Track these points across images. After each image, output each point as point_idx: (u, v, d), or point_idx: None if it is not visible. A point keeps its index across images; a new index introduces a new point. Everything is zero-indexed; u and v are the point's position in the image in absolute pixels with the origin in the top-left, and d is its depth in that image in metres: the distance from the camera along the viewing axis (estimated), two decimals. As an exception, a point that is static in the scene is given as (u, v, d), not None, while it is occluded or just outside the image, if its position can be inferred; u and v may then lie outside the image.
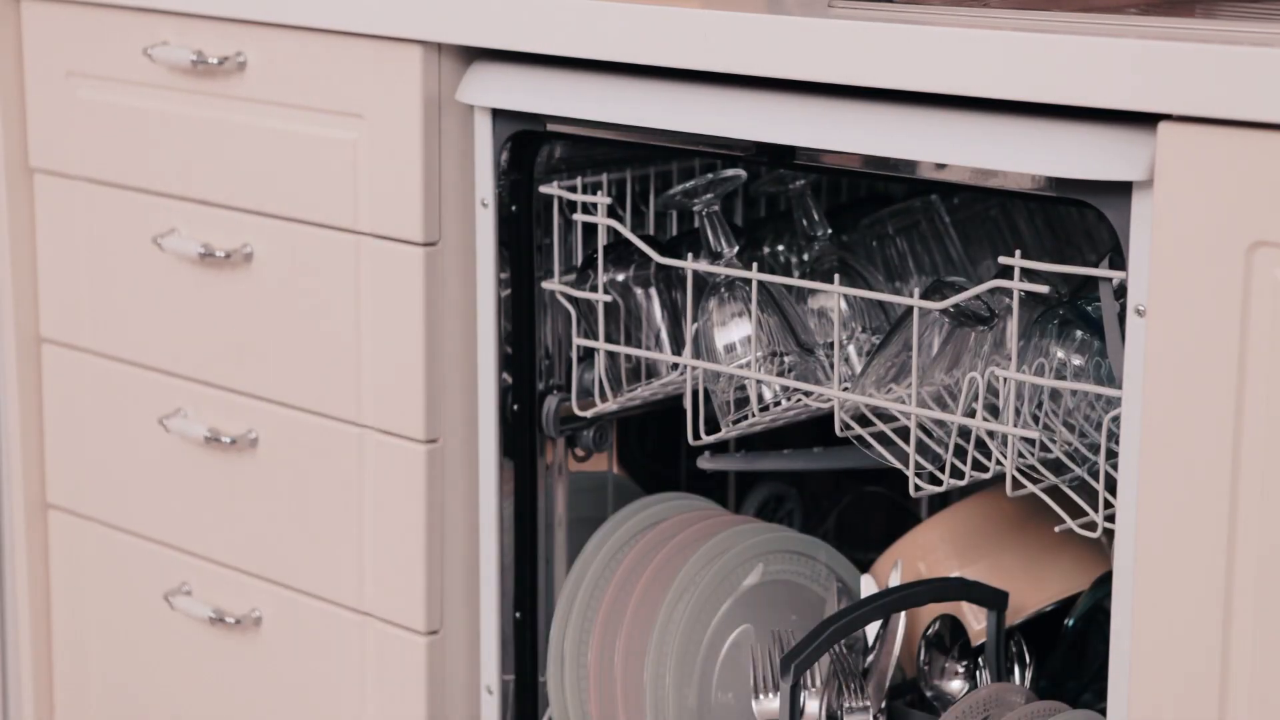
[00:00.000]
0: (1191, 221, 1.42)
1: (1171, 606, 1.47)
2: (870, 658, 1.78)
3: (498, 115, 1.86)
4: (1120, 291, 1.54)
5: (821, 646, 1.70)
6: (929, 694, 1.81)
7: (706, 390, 1.82)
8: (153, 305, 2.17)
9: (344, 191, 1.96)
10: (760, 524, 1.92)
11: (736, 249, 1.83)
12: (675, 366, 1.86)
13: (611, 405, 1.88)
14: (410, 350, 1.92)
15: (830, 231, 1.88)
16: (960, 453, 1.66)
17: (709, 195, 1.82)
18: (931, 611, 1.83)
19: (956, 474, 1.67)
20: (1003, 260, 1.54)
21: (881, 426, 1.70)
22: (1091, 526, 1.59)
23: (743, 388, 1.80)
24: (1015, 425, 1.60)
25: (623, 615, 1.88)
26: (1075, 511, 1.63)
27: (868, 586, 1.87)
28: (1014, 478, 1.61)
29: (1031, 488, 1.62)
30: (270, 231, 2.04)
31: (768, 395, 1.79)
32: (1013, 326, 1.59)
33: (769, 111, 1.66)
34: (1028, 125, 1.52)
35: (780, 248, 1.98)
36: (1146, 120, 1.45)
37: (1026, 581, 1.85)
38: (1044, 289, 1.54)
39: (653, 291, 1.89)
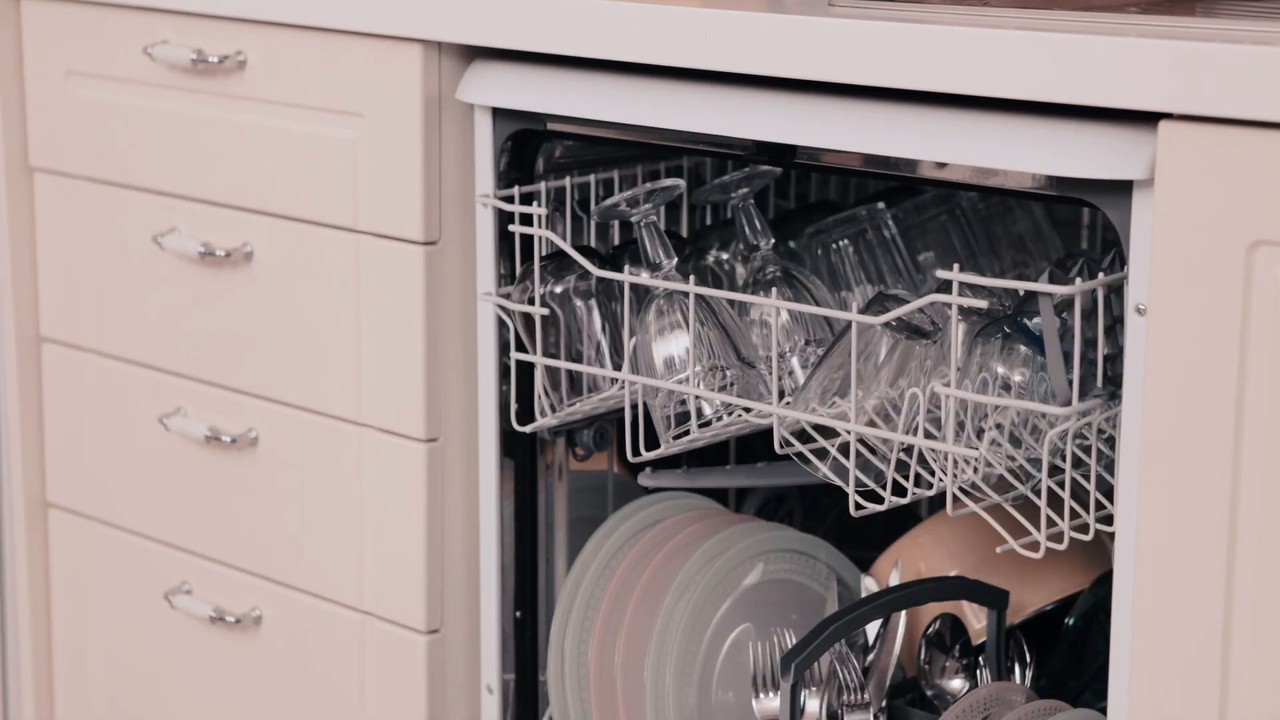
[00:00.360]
0: (1192, 220, 1.42)
1: (1172, 606, 1.47)
2: (871, 657, 1.78)
3: (498, 114, 1.86)
4: (1062, 307, 1.52)
5: (822, 646, 1.70)
6: (929, 693, 1.81)
7: (649, 405, 1.78)
8: (153, 304, 2.17)
9: (344, 190, 1.96)
10: (760, 523, 1.92)
11: (675, 260, 1.78)
12: (615, 380, 1.82)
13: (551, 420, 1.84)
14: (410, 349, 1.92)
15: (773, 241, 1.82)
16: (905, 468, 1.63)
17: (647, 205, 1.77)
18: (932, 610, 1.83)
19: (899, 491, 1.63)
20: (940, 274, 1.51)
21: (823, 443, 1.67)
22: (1034, 546, 1.56)
23: (684, 402, 1.76)
24: (956, 442, 1.56)
25: (623, 614, 1.88)
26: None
27: (868, 586, 1.87)
28: (955, 496, 1.57)
29: (973, 506, 1.59)
30: (270, 230, 2.04)
31: (708, 410, 1.75)
32: (953, 341, 1.54)
33: (769, 110, 1.66)
34: (1028, 124, 1.52)
35: (725, 256, 1.94)
36: (1147, 119, 1.45)
37: (1027, 580, 1.85)
38: (983, 304, 1.51)
39: (593, 303, 1.84)
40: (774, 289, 1.77)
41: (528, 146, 1.88)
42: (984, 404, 1.57)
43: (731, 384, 1.75)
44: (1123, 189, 1.48)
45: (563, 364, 1.81)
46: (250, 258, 2.06)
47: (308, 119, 1.98)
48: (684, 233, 2.06)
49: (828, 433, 1.67)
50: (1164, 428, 1.45)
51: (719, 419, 1.75)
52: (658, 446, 1.77)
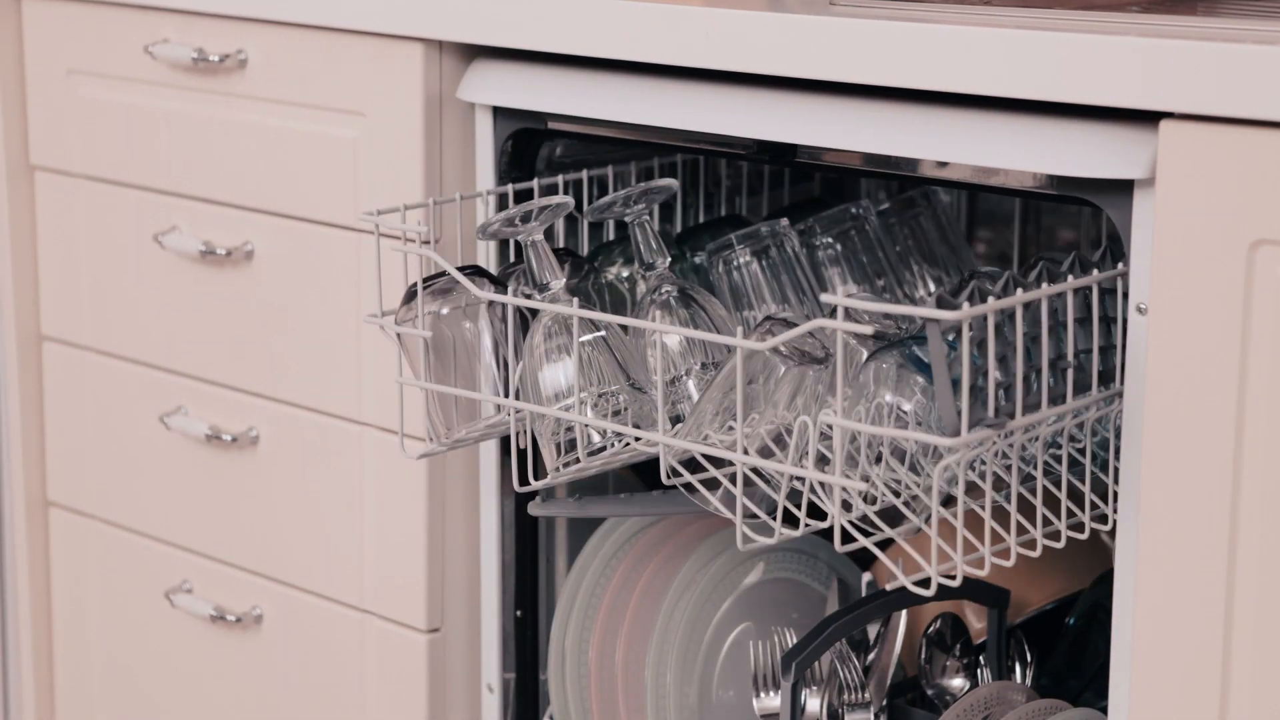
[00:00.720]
0: (1193, 219, 1.42)
1: (1172, 605, 1.47)
2: (871, 656, 1.78)
3: (498, 113, 1.86)
4: (951, 331, 1.42)
5: (822, 645, 1.70)
6: (930, 692, 1.81)
7: (537, 432, 1.70)
8: (154, 303, 2.17)
9: (345, 189, 1.96)
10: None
11: (564, 280, 1.70)
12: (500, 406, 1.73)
13: (439, 446, 1.75)
14: (411, 348, 1.92)
15: (670, 260, 1.72)
16: (801, 497, 1.55)
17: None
18: (932, 610, 1.83)
19: (791, 522, 1.55)
20: (825, 298, 1.42)
21: (714, 472, 1.58)
22: (925, 584, 1.48)
23: (572, 429, 1.67)
24: (843, 474, 1.47)
25: (624, 613, 1.88)
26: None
27: (869, 585, 1.87)
28: (843, 530, 1.49)
29: (864, 541, 1.50)
30: (271, 229, 2.04)
31: (596, 438, 1.67)
32: (839, 368, 1.44)
33: (771, 109, 1.66)
34: (1030, 123, 1.52)
35: (626, 274, 1.86)
36: (1148, 118, 1.45)
37: (1027, 579, 1.84)
38: (868, 329, 1.42)
39: (483, 324, 1.74)
40: (658, 312, 1.68)
41: (529, 145, 1.88)
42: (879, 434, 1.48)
43: (626, 409, 1.67)
44: (1124, 188, 1.48)
45: (431, 386, 1.71)
46: (251, 256, 2.06)
47: (308, 118, 1.98)
48: (680, 230, 2.04)
49: (717, 464, 1.59)
50: (1165, 426, 1.45)
51: (609, 447, 1.67)
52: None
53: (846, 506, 1.51)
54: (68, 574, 2.35)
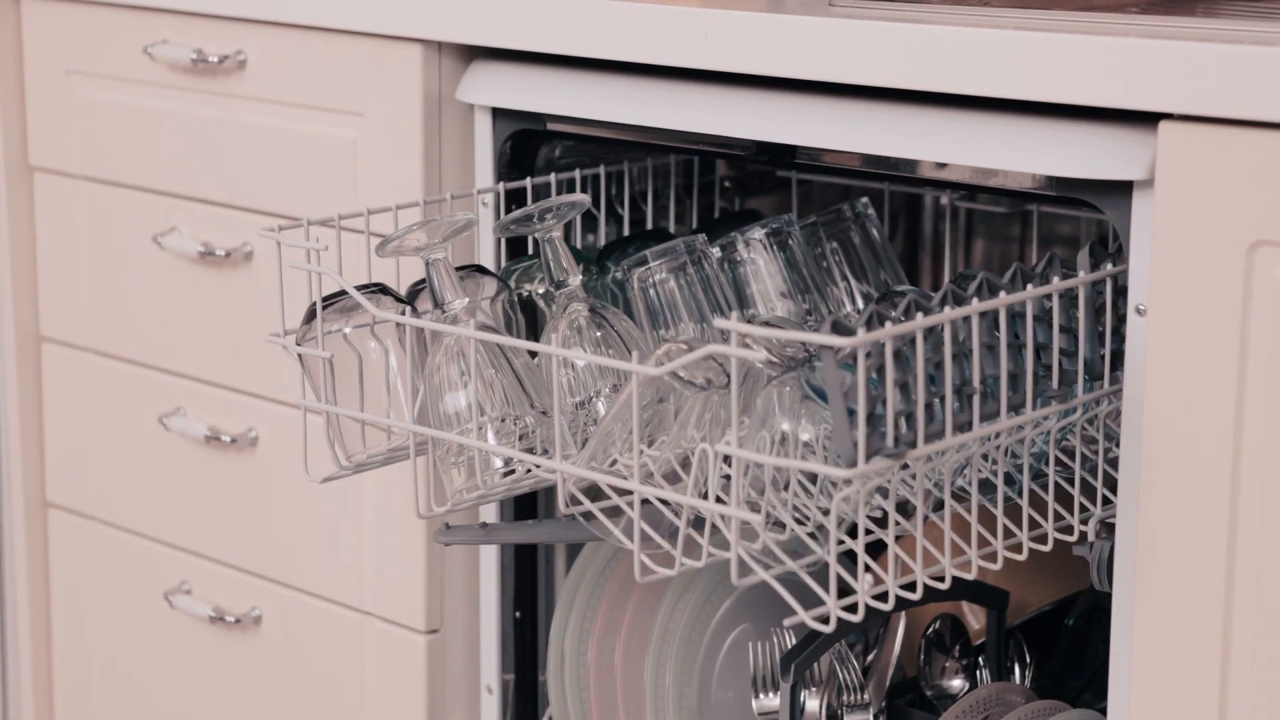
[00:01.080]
0: (1192, 221, 1.42)
1: (1172, 606, 1.47)
2: (870, 657, 1.78)
3: (498, 114, 1.86)
4: (845, 357, 1.34)
5: (822, 646, 1.69)
6: (929, 693, 1.81)
7: (439, 457, 1.65)
8: (153, 304, 2.17)
9: (344, 190, 1.96)
10: (760, 523, 1.92)
11: (465, 300, 1.64)
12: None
13: (344, 472, 1.70)
14: (410, 349, 1.92)
15: (579, 278, 1.68)
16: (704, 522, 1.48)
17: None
18: (932, 610, 1.83)
19: (693, 552, 1.48)
20: (719, 324, 1.36)
21: (616, 500, 1.52)
22: (824, 619, 1.40)
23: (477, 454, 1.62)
24: (743, 503, 1.41)
25: (623, 614, 1.88)
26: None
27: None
28: (740, 561, 1.42)
29: (762, 575, 1.43)
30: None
31: (497, 463, 1.61)
32: (733, 395, 1.38)
33: (770, 110, 1.66)
34: (1029, 124, 1.52)
35: (541, 291, 1.79)
36: (1147, 119, 1.45)
37: (1027, 580, 1.84)
38: (761, 356, 1.38)
39: (390, 344, 1.68)
40: (566, 333, 1.62)
41: (528, 146, 1.88)
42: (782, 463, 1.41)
43: (533, 433, 1.62)
44: (1123, 189, 1.48)
45: (330, 409, 1.66)
46: (250, 257, 2.06)
47: (308, 119, 1.98)
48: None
49: (619, 492, 1.53)
50: (1164, 427, 1.45)
51: (510, 473, 1.61)
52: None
53: (751, 536, 1.44)
54: (67, 575, 2.35)
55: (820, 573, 1.48)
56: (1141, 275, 1.47)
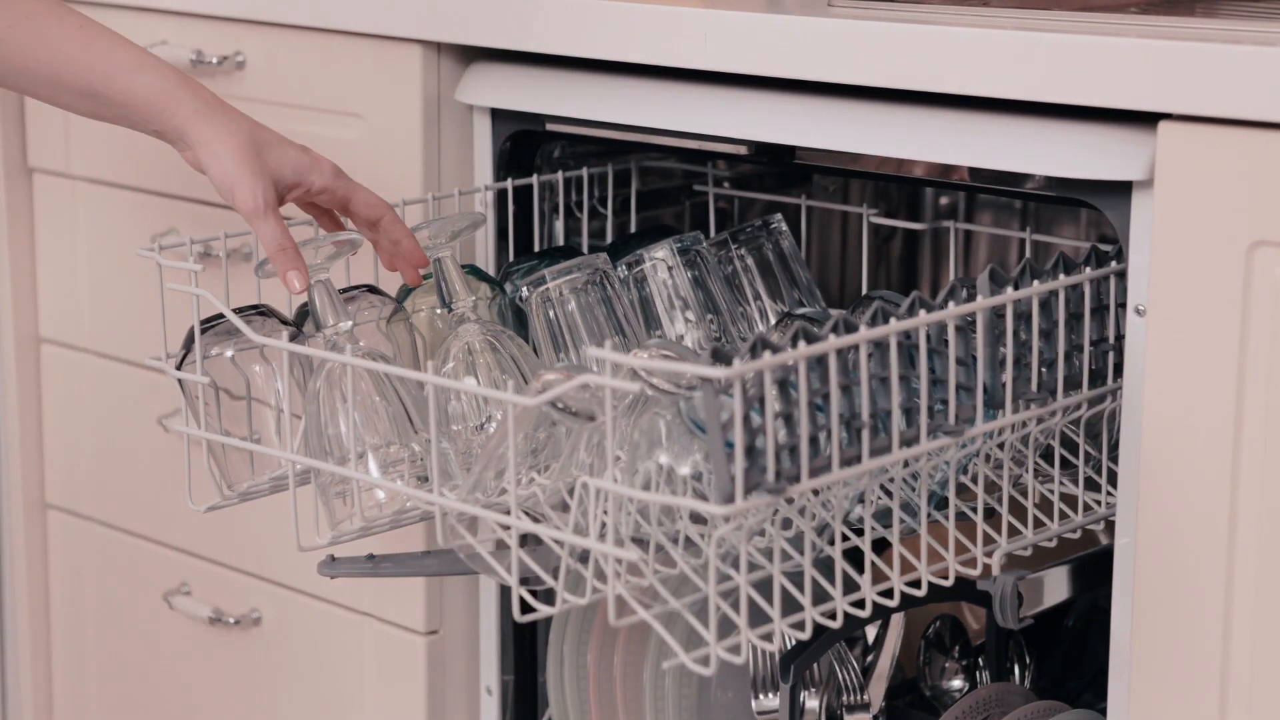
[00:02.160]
0: (1192, 221, 1.42)
1: (1171, 606, 1.47)
2: (870, 657, 1.78)
3: (497, 115, 1.86)
4: (723, 388, 1.27)
5: (821, 646, 1.69)
6: (929, 694, 1.81)
7: (321, 487, 1.60)
8: (153, 304, 2.17)
9: (343, 191, 1.95)
10: (760, 524, 1.92)
11: (350, 324, 1.60)
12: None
13: (227, 502, 1.66)
14: (410, 350, 1.92)
15: (472, 300, 1.64)
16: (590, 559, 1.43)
17: (319, 262, 1.62)
18: (931, 611, 1.83)
19: (576, 589, 1.43)
20: (594, 353, 1.31)
21: (500, 534, 1.46)
22: (704, 661, 1.33)
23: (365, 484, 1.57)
24: (614, 542, 1.36)
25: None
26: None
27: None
28: (619, 600, 1.38)
29: (643, 614, 1.37)
30: (270, 231, 2.03)
31: (380, 495, 1.56)
32: (608, 428, 1.33)
33: (769, 111, 1.66)
34: (1028, 125, 1.52)
35: (440, 309, 1.72)
36: (1147, 119, 1.45)
37: (1026, 581, 1.85)
38: (634, 387, 1.30)
39: (276, 367, 1.62)
40: (428, 363, 1.54)
41: (527, 147, 1.88)
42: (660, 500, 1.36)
43: (420, 461, 1.57)
44: (1122, 190, 1.48)
45: (203, 434, 1.61)
46: (250, 259, 2.06)
47: (307, 120, 1.98)
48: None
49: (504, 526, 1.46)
50: (1164, 428, 1.45)
51: (393, 505, 1.57)
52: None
53: (636, 571, 1.40)
54: (66, 577, 2.35)
55: (703, 610, 1.39)
56: (1141, 275, 1.47)
